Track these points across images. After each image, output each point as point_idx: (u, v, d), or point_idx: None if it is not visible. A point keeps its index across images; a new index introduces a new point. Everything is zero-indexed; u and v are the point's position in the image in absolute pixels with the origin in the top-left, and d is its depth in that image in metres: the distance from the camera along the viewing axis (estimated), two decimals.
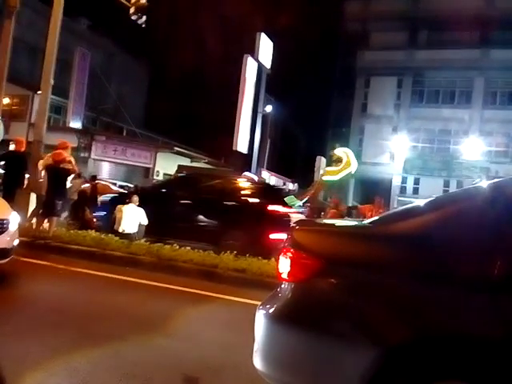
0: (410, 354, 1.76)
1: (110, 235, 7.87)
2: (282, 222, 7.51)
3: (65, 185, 8.04)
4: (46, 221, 7.94)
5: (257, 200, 8.54)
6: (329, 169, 15.04)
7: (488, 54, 28.56)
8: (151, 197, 9.05)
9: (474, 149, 28.04)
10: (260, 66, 21.94)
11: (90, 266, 6.22)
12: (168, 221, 8.46)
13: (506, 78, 28.85)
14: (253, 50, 21.82)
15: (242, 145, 21.11)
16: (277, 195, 9.44)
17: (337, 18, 32.65)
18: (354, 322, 1.88)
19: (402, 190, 30.85)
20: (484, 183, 2.18)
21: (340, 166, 14.54)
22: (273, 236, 7.46)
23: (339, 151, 14.55)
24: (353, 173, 14.33)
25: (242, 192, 8.95)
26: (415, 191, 30.16)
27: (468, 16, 27.00)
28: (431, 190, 24.08)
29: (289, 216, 8.19)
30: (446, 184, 28.61)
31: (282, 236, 8.18)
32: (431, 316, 1.78)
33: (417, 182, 30.65)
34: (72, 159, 8.32)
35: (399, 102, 31.56)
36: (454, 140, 29.74)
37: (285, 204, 8.87)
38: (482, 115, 29.23)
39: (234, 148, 20.77)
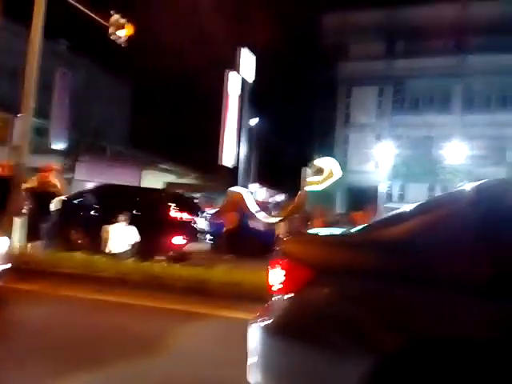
0: (403, 361, 1.75)
1: (97, 256, 7.76)
2: (183, 228, 9.03)
3: (49, 207, 7.92)
4: (30, 244, 7.80)
5: (163, 208, 9.75)
6: (311, 179, 15.39)
7: (465, 61, 29.28)
8: (72, 206, 9.97)
9: (456, 153, 28.54)
10: (243, 81, 22.12)
11: (78, 288, 6.11)
12: (78, 227, 9.53)
13: (484, 83, 29.57)
14: (235, 65, 22.02)
15: (227, 159, 21.12)
16: (185, 204, 10.66)
17: (316, 31, 33.20)
18: (347, 331, 1.87)
19: (389, 196, 31.17)
20: (467, 186, 2.20)
21: (322, 176, 14.86)
22: (174, 240, 8.87)
23: (320, 162, 14.93)
24: (335, 180, 14.79)
25: (149, 202, 10.06)
26: (401, 198, 30.49)
27: (443, 24, 27.72)
28: (417, 195, 24.36)
29: (192, 222, 9.64)
30: (431, 189, 29.00)
31: (184, 240, 9.33)
32: (422, 321, 1.77)
33: (402, 188, 31.01)
34: (57, 182, 8.23)
35: (381, 110, 32.07)
36: (437, 146, 30.25)
37: (191, 212, 10.15)
38: (463, 120, 29.84)
39: (219, 162, 20.77)
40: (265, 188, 30.14)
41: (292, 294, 2.05)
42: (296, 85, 33.21)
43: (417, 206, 2.23)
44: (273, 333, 2.04)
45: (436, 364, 1.71)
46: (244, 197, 12.56)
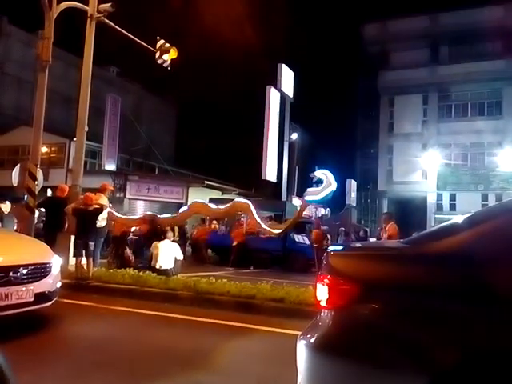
0: (458, 378, 1.69)
1: (147, 272, 8.00)
2: None
3: (94, 225, 8.21)
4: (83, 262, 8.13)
5: None
6: (310, 189, 15.75)
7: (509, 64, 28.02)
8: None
9: (509, 160, 27.14)
10: (283, 96, 22.31)
11: (129, 303, 6.32)
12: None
13: None
14: (275, 81, 22.26)
15: (270, 174, 21.24)
16: None
17: (356, 41, 33.03)
18: (398, 348, 1.83)
19: (439, 207, 30.02)
20: None
21: (321, 186, 15.19)
22: None
23: (319, 173, 15.31)
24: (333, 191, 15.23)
25: None
26: (452, 207, 29.28)
27: (488, 27, 26.73)
28: (468, 205, 23.33)
29: None
30: (484, 198, 27.67)
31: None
32: (476, 337, 1.71)
33: (453, 197, 29.78)
34: (104, 201, 8.58)
35: (426, 118, 31.16)
36: (488, 152, 28.93)
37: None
38: None
39: (262, 177, 20.92)
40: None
41: (339, 310, 2.04)
42: (337, 96, 33.07)
43: (468, 217, 2.16)
44: (318, 349, 2.02)
45: (491, 380, 1.64)
46: (250, 207, 12.89)
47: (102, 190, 8.98)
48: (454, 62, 29.40)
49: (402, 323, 1.86)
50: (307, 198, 16.08)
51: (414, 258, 2.04)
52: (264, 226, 14.15)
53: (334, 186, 15.64)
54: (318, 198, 15.75)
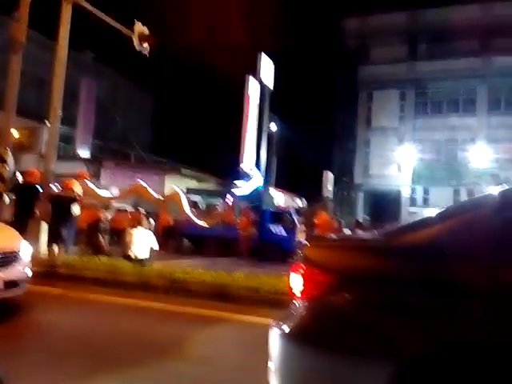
0: (427, 366, 1.74)
1: (121, 260, 7.91)
2: None
3: (69, 212, 8.07)
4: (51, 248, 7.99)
5: None
6: (238, 184, 16.46)
7: (489, 62, 28.66)
8: None
9: (482, 156, 27.90)
10: (262, 86, 22.22)
11: (103, 292, 6.24)
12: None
13: (510, 84, 28.86)
14: (255, 70, 22.14)
15: (248, 164, 21.21)
16: None
17: (337, 35, 33.10)
18: (369, 337, 1.86)
19: (412, 201, 30.65)
20: (493, 191, 2.17)
21: (248, 181, 15.86)
22: None
23: (246, 168, 15.97)
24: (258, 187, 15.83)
25: None
26: (425, 202, 29.94)
27: (466, 25, 27.23)
28: (441, 199, 23.93)
29: None
30: (457, 193, 28.40)
31: None
32: (445, 327, 1.76)
33: (426, 192, 30.46)
34: (77, 188, 8.42)
35: (403, 114, 31.65)
36: (462, 148, 29.64)
37: None
38: (488, 122, 29.17)
39: (240, 167, 20.87)
40: (283, 193, 30.07)
41: (313, 300, 2.06)
42: (317, 89, 33.15)
43: (442, 212, 2.21)
44: (292, 339, 2.04)
45: (458, 369, 1.69)
46: (181, 198, 13.40)
47: (77, 177, 8.83)
48: (432, 59, 29.87)
49: (374, 313, 1.89)
50: (235, 192, 16.80)
51: (387, 250, 2.08)
52: (193, 218, 14.61)
53: (260, 182, 16.51)
54: (247, 192, 16.51)
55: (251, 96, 21.51)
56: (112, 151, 31.03)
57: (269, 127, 25.08)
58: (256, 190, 15.73)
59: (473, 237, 1.91)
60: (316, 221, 12.72)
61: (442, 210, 2.25)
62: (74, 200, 8.06)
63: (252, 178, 15.27)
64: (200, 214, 17.34)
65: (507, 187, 2.14)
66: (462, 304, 1.75)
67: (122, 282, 6.82)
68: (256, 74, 21.78)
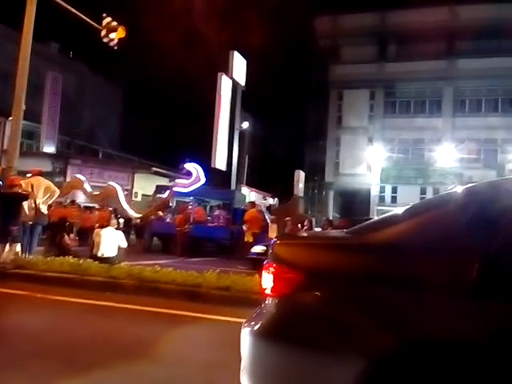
0: (395, 364, 1.75)
1: (88, 260, 7.70)
2: None
3: (19, 210, 7.79)
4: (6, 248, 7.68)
5: None
6: (179, 181, 16.86)
7: (455, 64, 29.60)
8: None
9: (447, 156, 28.80)
10: (234, 84, 22.15)
11: (69, 293, 6.05)
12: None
13: (474, 86, 29.91)
14: (226, 68, 22.05)
15: (220, 162, 21.12)
16: None
17: (307, 35, 33.38)
18: (338, 335, 1.87)
19: (381, 199, 31.33)
20: (458, 189, 2.22)
21: (190, 179, 16.25)
22: None
23: (189, 166, 16.37)
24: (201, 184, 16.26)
25: None
26: (393, 200, 30.66)
27: (434, 28, 28.01)
28: (409, 197, 24.53)
29: None
30: (423, 191, 29.22)
31: None
32: (413, 324, 1.78)
33: (394, 190, 31.19)
34: (28, 185, 8.15)
35: (373, 113, 32.27)
36: (428, 148, 30.50)
37: None
38: (453, 123, 30.13)
39: (212, 165, 20.76)
40: (254, 191, 30.15)
41: (283, 298, 2.05)
42: (288, 88, 33.38)
43: (408, 209, 2.24)
44: (262, 336, 2.03)
45: (427, 367, 1.72)
46: (118, 192, 13.89)
47: (33, 173, 8.57)
48: (400, 60, 30.57)
49: (343, 310, 1.89)
50: (176, 188, 17.15)
51: (355, 247, 2.09)
52: (130, 211, 14.84)
53: (202, 181, 16.90)
54: (187, 190, 16.89)
55: (223, 94, 21.42)
56: (79, 147, 30.26)
57: (241, 126, 25.08)
58: (199, 188, 15.95)
59: (438, 233, 1.94)
60: (245, 217, 13.07)
61: (409, 206, 2.28)
62: (21, 197, 7.76)
63: (195, 176, 15.53)
64: (170, 212, 17.15)
65: (471, 185, 2.19)
66: (429, 301, 1.77)
67: (89, 282, 6.65)
68: (228, 72, 21.69)
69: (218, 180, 24.83)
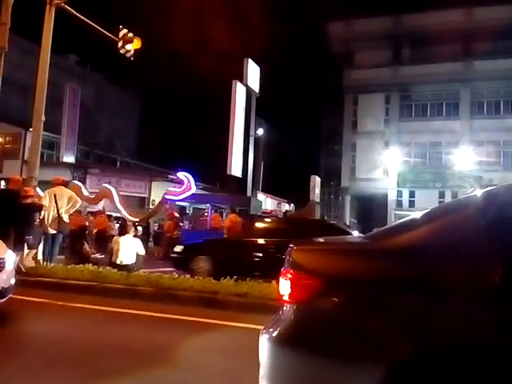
0: (416, 370, 1.73)
1: (107, 268, 7.80)
2: None
3: (33, 220, 7.93)
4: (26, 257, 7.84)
5: None
6: (170, 189, 17.08)
7: (471, 66, 29.19)
8: None
9: (465, 159, 28.33)
10: (249, 91, 22.28)
11: (89, 300, 6.13)
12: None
13: (491, 87, 29.42)
14: (241, 76, 22.21)
15: (235, 169, 21.22)
16: None
17: (322, 39, 33.39)
18: (358, 341, 1.85)
19: (398, 203, 30.96)
20: (477, 192, 2.19)
21: (182, 187, 16.37)
22: None
23: (181, 175, 16.55)
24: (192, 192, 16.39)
25: None
26: (411, 204, 30.26)
27: (449, 30, 27.72)
28: (427, 202, 24.19)
29: None
30: (441, 195, 28.77)
31: None
32: (434, 331, 1.75)
33: (412, 194, 30.79)
34: (42, 194, 8.31)
35: (388, 117, 32.01)
36: (446, 151, 30.07)
37: None
38: (471, 125, 29.66)
39: (228, 172, 20.86)
40: (270, 197, 30.14)
41: (302, 304, 2.04)
42: (303, 94, 33.36)
43: (426, 213, 2.22)
44: (281, 343, 2.02)
45: (448, 373, 1.69)
46: (113, 194, 13.92)
47: (54, 183, 8.78)
48: (415, 63, 30.31)
49: (362, 316, 1.88)
50: (167, 196, 17.39)
51: (373, 252, 2.07)
52: (124, 213, 14.99)
53: (193, 190, 17.10)
54: (178, 198, 17.13)
55: (238, 101, 21.56)
56: (97, 157, 30.75)
57: (256, 132, 25.16)
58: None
59: (458, 237, 1.92)
60: (225, 223, 13.07)
61: (427, 211, 2.26)
62: (35, 207, 7.91)
63: (186, 185, 15.79)
64: (187, 219, 17.31)
65: (490, 189, 2.16)
66: (450, 306, 1.75)
67: (108, 290, 6.73)
68: (243, 79, 21.84)
69: (234, 187, 24.91)
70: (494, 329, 1.67)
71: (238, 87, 21.54)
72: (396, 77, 30.89)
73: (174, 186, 17.60)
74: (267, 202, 27.94)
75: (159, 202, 16.50)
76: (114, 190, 15.69)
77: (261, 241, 8.62)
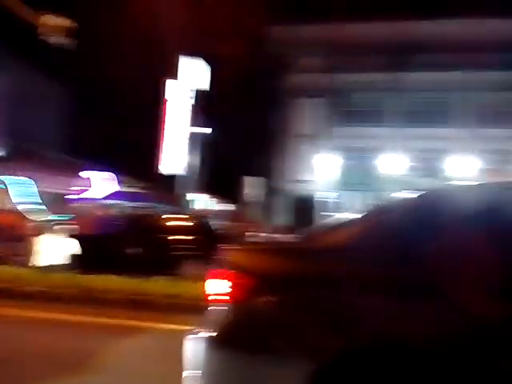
0: (344, 367, 1.78)
1: (27, 269, 7.29)
2: None
3: None
4: None
5: None
6: (75, 189, 17.22)
7: (401, 76, 30.93)
8: None
9: (394, 164, 30.05)
10: (186, 88, 21.97)
11: (6, 304, 5.67)
12: None
13: (424, 98, 31.52)
14: (176, 72, 21.87)
15: (167, 167, 20.87)
16: None
17: (263, 43, 33.74)
18: (289, 339, 1.88)
19: (327, 205, 32.12)
20: (403, 195, 2.31)
21: (83, 187, 16.62)
22: None
23: (84, 174, 16.86)
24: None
25: None
26: (340, 206, 31.51)
27: (380, 42, 29.33)
28: (354, 204, 25.29)
29: None
30: (369, 198, 30.20)
31: None
32: (362, 327, 1.81)
33: (341, 196, 32.09)
34: None
35: (322, 121, 33.14)
36: (373, 156, 31.68)
37: None
38: (404, 133, 31.37)
39: (159, 171, 20.46)
40: (209, 197, 29.98)
41: (237, 304, 2.03)
42: (242, 95, 33.50)
43: (355, 215, 2.30)
44: (216, 344, 2.00)
45: (374, 369, 1.76)
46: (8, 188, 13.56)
47: None
48: (351, 71, 31.64)
49: (295, 315, 1.92)
50: (68, 196, 17.23)
51: (305, 252, 2.12)
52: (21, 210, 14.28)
53: (94, 189, 17.10)
54: (78, 197, 17.16)
55: (171, 98, 21.21)
56: (20, 150, 28.65)
57: (196, 131, 24.88)
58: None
59: (386, 238, 2.00)
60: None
61: (358, 213, 2.35)
62: None
63: (87, 184, 15.75)
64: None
65: (419, 192, 2.28)
66: (375, 305, 1.81)
67: (26, 293, 6.27)
68: (176, 77, 21.51)
69: (167, 186, 24.41)
70: (416, 327, 1.75)
71: (171, 84, 21.22)
72: (332, 83, 32.06)
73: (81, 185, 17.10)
74: (200, 202, 27.67)
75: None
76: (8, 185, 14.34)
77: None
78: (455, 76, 28.36)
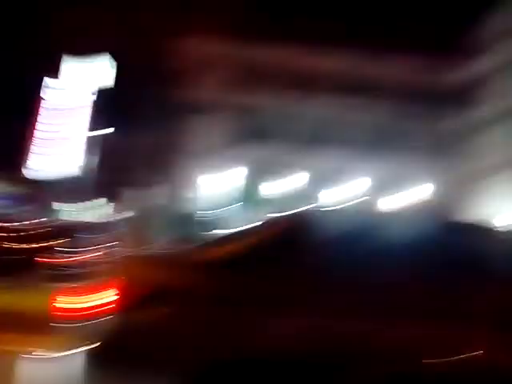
0: (212, 379, 1.86)
1: None
2: None
3: None
4: None
5: None
6: None
7: (294, 100, 32.17)
8: None
9: (279, 184, 30.90)
10: (72, 89, 20.69)
11: None
12: None
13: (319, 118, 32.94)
14: (57, 71, 20.59)
15: (32, 170, 19.31)
16: None
17: (162, 56, 33.16)
18: (166, 352, 1.89)
19: (210, 222, 32.14)
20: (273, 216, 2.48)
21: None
22: None
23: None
24: None
25: None
26: (223, 222, 31.65)
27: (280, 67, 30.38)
28: (237, 221, 25.62)
29: None
30: (250, 216, 30.74)
31: None
32: (229, 341, 1.89)
33: (224, 213, 32.39)
34: None
35: (214, 139, 33.03)
36: (262, 175, 32.25)
37: None
38: (292, 152, 32.37)
39: (23, 173, 18.82)
40: (105, 203, 28.12)
41: (124, 314, 2.02)
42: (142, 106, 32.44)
43: (241, 229, 2.44)
44: (97, 358, 1.94)
45: (249, 377, 1.85)
46: None
47: None
48: (250, 92, 32.17)
49: (175, 326, 1.95)
50: None
51: (190, 264, 2.17)
52: None
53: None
54: None
55: (46, 98, 19.94)
56: None
57: (92, 133, 23.39)
58: None
59: (255, 255, 2.10)
60: None
61: (238, 228, 2.47)
62: None
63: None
64: None
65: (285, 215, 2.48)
66: (249, 317, 1.90)
67: None
68: (57, 76, 20.29)
69: (38, 190, 22.37)
70: (272, 340, 1.85)
71: (49, 84, 19.97)
72: (227, 101, 32.25)
73: None
74: (105, 208, 25.73)
75: None
76: None
77: None
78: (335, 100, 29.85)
